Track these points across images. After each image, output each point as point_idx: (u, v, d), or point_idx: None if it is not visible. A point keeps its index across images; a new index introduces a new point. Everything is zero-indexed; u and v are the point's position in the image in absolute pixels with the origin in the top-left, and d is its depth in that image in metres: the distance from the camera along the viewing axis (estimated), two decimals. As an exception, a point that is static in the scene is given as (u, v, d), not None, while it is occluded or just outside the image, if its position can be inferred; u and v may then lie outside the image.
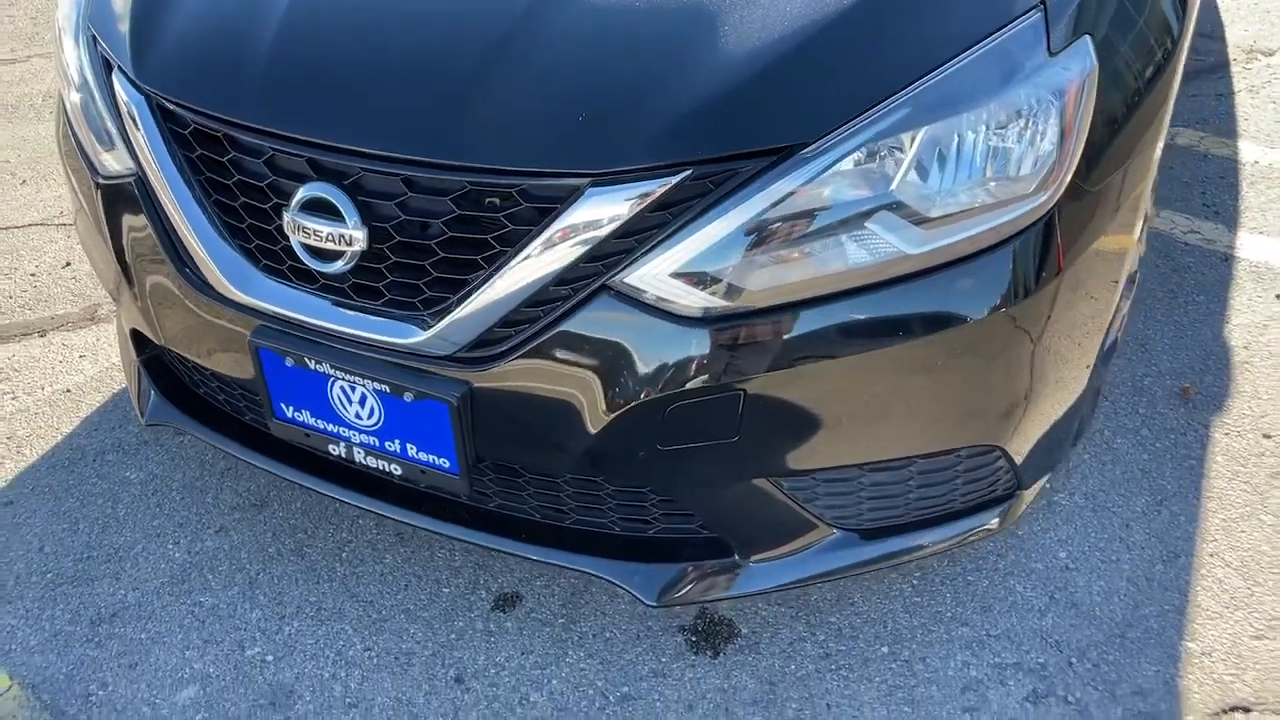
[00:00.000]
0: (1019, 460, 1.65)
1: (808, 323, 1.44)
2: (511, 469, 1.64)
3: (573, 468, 1.55)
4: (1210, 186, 3.05)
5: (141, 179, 1.65)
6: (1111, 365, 2.43)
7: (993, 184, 1.42)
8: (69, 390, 2.49)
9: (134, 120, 1.63)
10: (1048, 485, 2.15)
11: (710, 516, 1.61)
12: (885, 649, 1.87)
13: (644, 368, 1.45)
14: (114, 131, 1.69)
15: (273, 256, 1.58)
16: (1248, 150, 3.23)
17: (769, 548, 1.65)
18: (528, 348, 1.46)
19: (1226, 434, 2.27)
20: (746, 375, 1.45)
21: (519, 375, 1.49)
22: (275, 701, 1.80)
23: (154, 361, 1.97)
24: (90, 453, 2.30)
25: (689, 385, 1.45)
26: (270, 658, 1.87)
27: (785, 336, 1.44)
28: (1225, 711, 1.77)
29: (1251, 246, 2.81)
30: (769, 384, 1.45)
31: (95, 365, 2.57)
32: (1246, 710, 1.77)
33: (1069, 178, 1.48)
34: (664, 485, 1.57)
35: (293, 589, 1.99)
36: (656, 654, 1.88)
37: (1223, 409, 2.33)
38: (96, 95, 1.73)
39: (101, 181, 1.72)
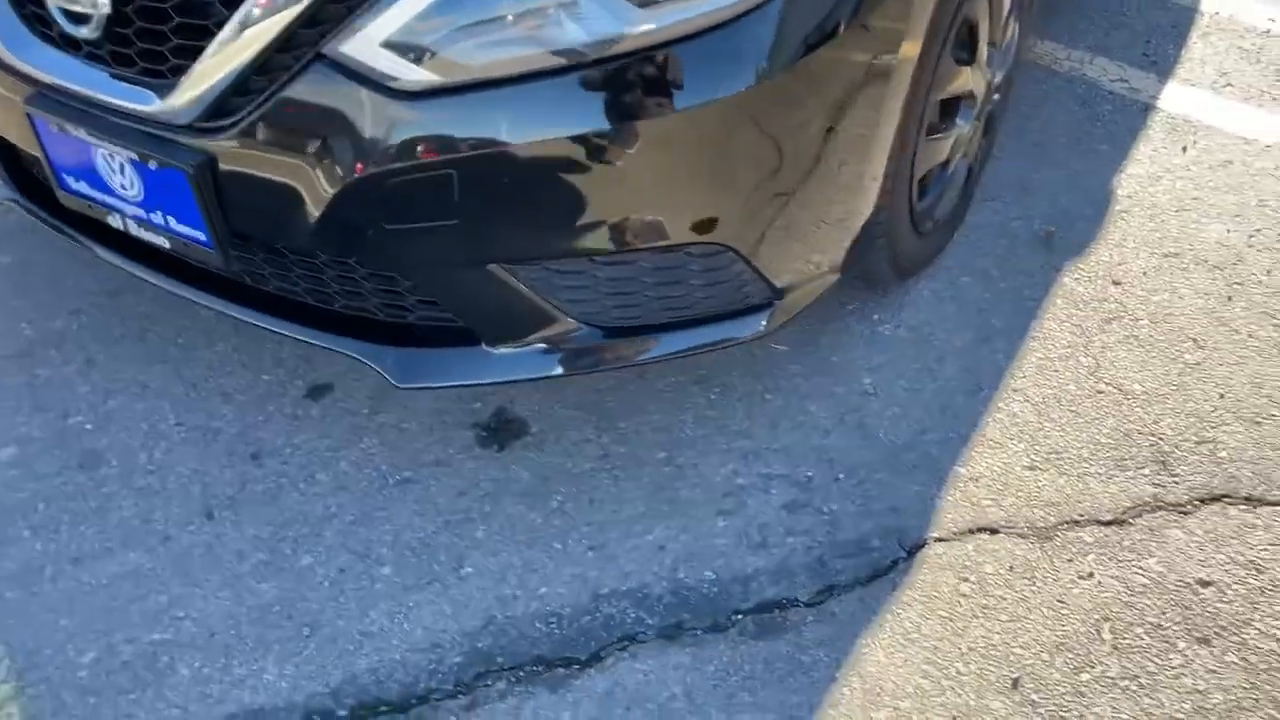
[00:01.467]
0: (763, 267, 1.64)
1: (519, 101, 1.45)
2: (273, 247, 1.70)
3: (312, 244, 1.61)
4: (1157, 35, 2.89)
5: None
6: (982, 206, 2.37)
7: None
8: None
9: None
10: (877, 317, 2.14)
11: (453, 302, 1.66)
12: (663, 454, 1.92)
13: (360, 141, 1.48)
14: None
15: (43, 22, 1.64)
16: (1213, 1, 3.03)
17: (515, 338, 1.69)
18: (255, 117, 1.51)
19: (1075, 279, 2.21)
20: (458, 154, 1.47)
21: (251, 146, 1.53)
22: (84, 464, 1.94)
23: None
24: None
25: (402, 162, 1.48)
26: (89, 426, 2.00)
27: (496, 115, 1.46)
28: (972, 531, 1.79)
29: (1177, 98, 2.67)
30: (482, 165, 1.48)
31: None
32: (994, 532, 1.78)
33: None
34: (402, 267, 1.62)
35: (126, 369, 2.11)
36: (445, 445, 1.95)
37: (1081, 255, 2.27)
38: None
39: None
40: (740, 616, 1.68)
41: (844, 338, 2.11)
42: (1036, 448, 1.90)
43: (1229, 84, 2.71)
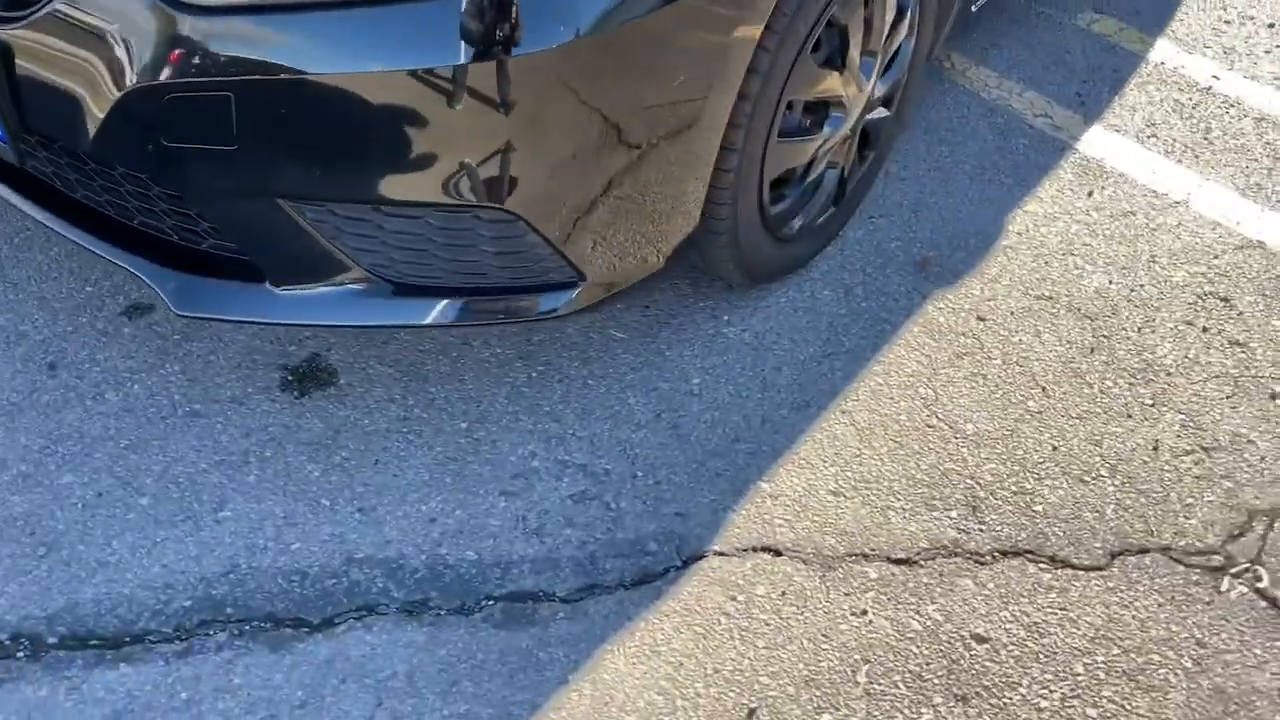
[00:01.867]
0: (563, 244, 1.57)
1: (306, 29, 1.38)
2: (72, 152, 1.63)
3: (98, 152, 1.54)
4: (1096, 78, 2.80)
5: None
6: (866, 222, 2.29)
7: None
8: None
9: None
10: (726, 318, 2.06)
11: (237, 234, 1.59)
12: (465, 425, 1.85)
13: (145, 48, 1.41)
14: None
15: None
16: (1163, 51, 2.94)
17: (300, 280, 1.62)
18: (49, 10, 1.44)
19: (940, 308, 2.13)
20: (232, 76, 1.40)
21: (44, 40, 1.47)
22: None
23: None
24: None
25: (178, 77, 1.41)
26: (-112, 310, 1.93)
27: (282, 40, 1.38)
28: (756, 550, 1.71)
29: (1098, 143, 2.59)
30: (257, 91, 1.40)
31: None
32: (777, 553, 1.71)
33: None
34: (187, 189, 1.54)
35: (-54, 258, 2.04)
36: (247, 383, 1.88)
37: (952, 285, 2.19)
38: None
39: None
40: (490, 603, 1.61)
41: (686, 334, 2.04)
42: (847, 474, 1.83)
43: (1154, 135, 2.62)
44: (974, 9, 2.37)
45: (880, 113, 2.12)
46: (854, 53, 1.86)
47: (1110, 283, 2.23)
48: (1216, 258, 2.29)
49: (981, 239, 2.30)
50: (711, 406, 1.91)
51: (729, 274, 1.98)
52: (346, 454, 1.79)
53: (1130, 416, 1.96)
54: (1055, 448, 1.90)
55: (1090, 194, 2.44)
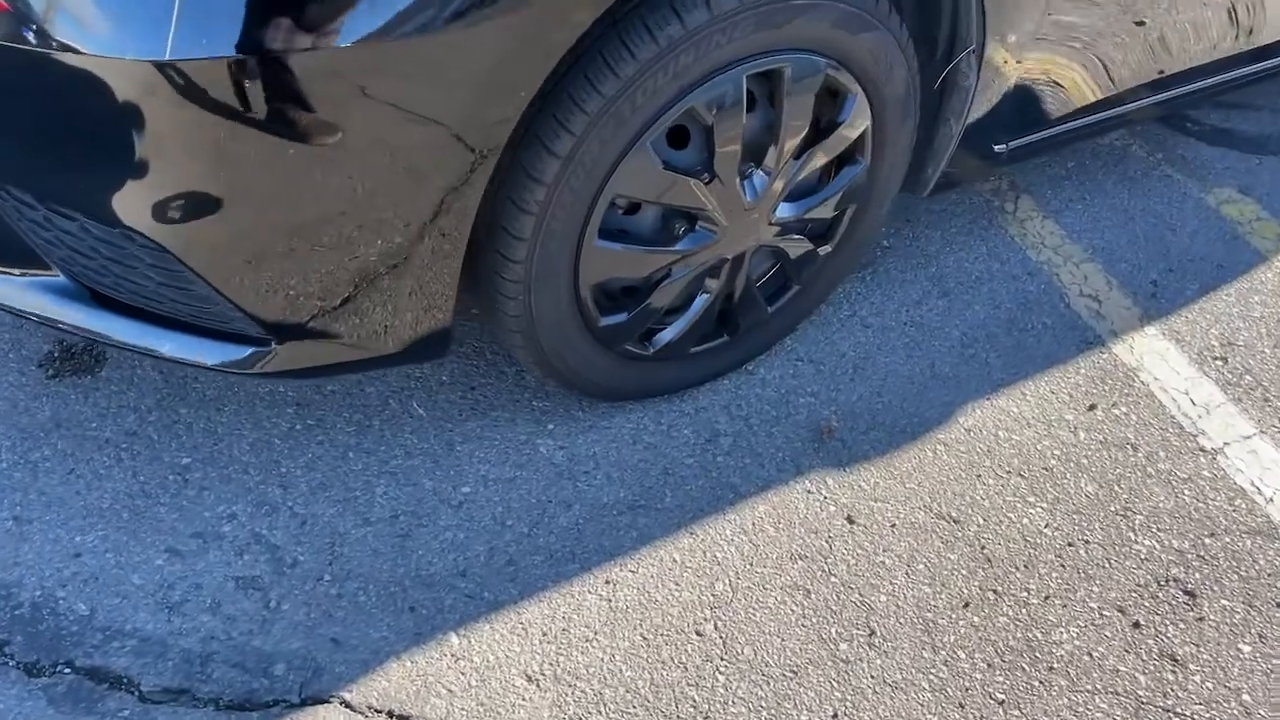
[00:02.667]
0: (239, 295, 1.32)
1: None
2: None
3: None
4: (1189, 269, 2.25)
5: None
6: (788, 363, 1.91)
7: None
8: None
9: None
10: (551, 428, 1.75)
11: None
12: (186, 460, 1.64)
13: None
14: None
15: None
16: (1302, 257, 2.34)
17: (7, 262, 1.45)
18: None
19: (808, 493, 1.73)
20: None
21: None
22: None
23: None
24: None
25: None
26: None
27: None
28: (388, 714, 1.41)
29: (1141, 348, 2.06)
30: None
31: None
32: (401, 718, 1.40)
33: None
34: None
35: None
36: (12, 349, 1.75)
37: (843, 470, 1.77)
38: None
39: None
40: (66, 671, 1.40)
41: (493, 433, 1.74)
42: (552, 659, 1.48)
43: (1224, 359, 2.07)
44: (1000, 149, 1.93)
45: (801, 244, 1.73)
46: (727, 160, 1.51)
47: (1048, 526, 1.74)
48: (1212, 536, 1.75)
49: (916, 424, 1.86)
50: (462, 526, 1.62)
51: (549, 379, 1.67)
52: (49, 453, 1.62)
53: (961, 708, 1.50)
54: (836, 715, 1.48)
55: (1092, 408, 1.94)
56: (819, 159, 1.63)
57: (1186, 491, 1.82)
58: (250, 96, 1.15)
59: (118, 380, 1.73)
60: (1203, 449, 1.89)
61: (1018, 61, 1.76)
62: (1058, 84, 1.87)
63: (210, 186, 1.22)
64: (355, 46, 1.16)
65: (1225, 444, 1.91)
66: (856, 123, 1.63)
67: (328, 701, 1.40)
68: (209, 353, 1.40)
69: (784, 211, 1.65)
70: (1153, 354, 2.06)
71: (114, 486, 1.59)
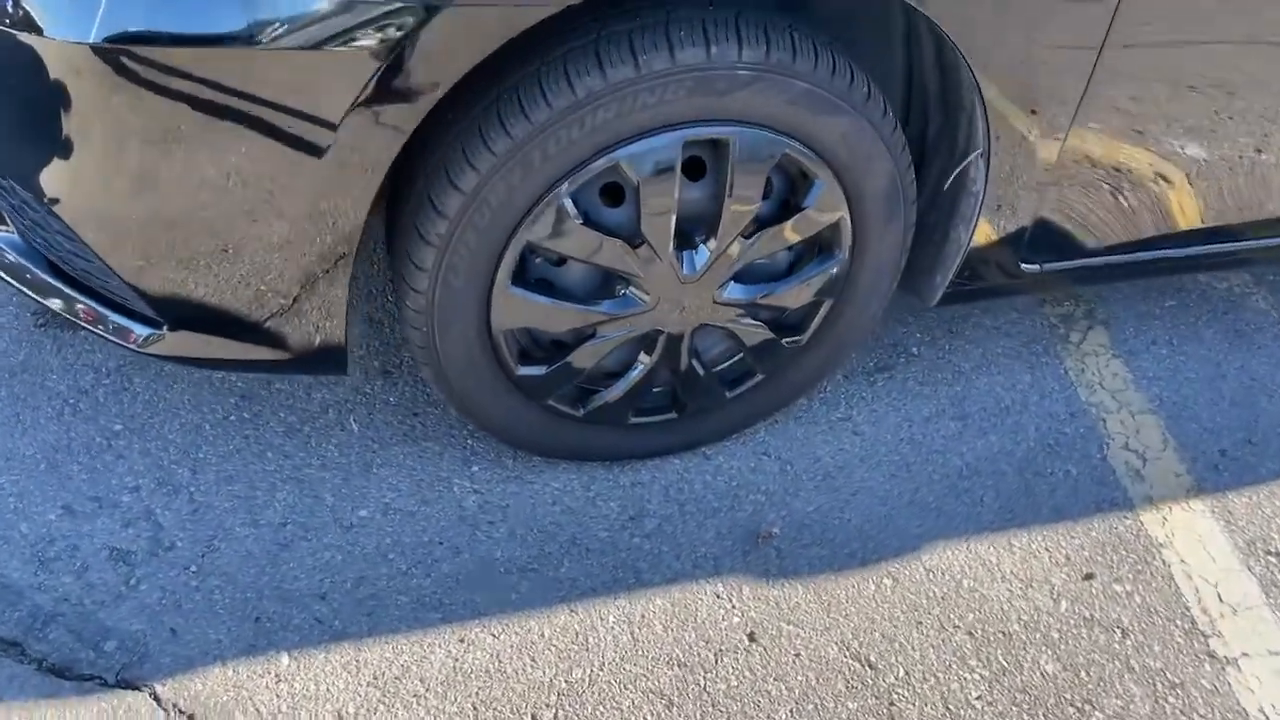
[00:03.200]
0: (130, 273, 1.34)
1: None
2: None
3: None
4: (1270, 446, 1.95)
5: None
6: (742, 452, 1.77)
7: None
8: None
9: None
10: (472, 473, 1.70)
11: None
12: (119, 426, 1.70)
13: None
14: None
15: None
16: None
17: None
18: None
19: (714, 599, 1.59)
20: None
21: None
22: None
23: None
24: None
25: None
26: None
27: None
28: (181, 712, 1.38)
29: (1181, 523, 1.79)
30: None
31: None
32: (198, 738, 1.36)
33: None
34: None
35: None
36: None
37: (764, 582, 1.62)
38: None
39: None
40: (-80, 599, 1.45)
41: (419, 464, 1.71)
42: (355, 702, 1.42)
43: (1276, 559, 1.76)
44: (1031, 268, 1.73)
45: (757, 331, 1.61)
46: (658, 227, 1.41)
47: (980, 699, 1.53)
48: (1178, 759, 1.49)
49: (869, 551, 1.68)
50: (343, 548, 1.58)
51: (468, 419, 1.63)
52: (3, 395, 1.71)
53: None
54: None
55: (1089, 577, 1.70)
56: (776, 242, 1.50)
57: (1172, 699, 1.56)
58: (112, 82, 1.17)
59: (92, 340, 1.81)
60: (1212, 654, 1.62)
61: (1053, 165, 1.56)
62: (1117, 198, 1.65)
63: (94, 164, 1.25)
64: (211, 46, 1.16)
65: (1243, 654, 1.62)
66: (825, 211, 1.49)
67: (139, 689, 1.40)
68: (106, 322, 1.44)
69: (733, 292, 1.53)
70: (1190, 532, 1.78)
71: (44, 437, 1.66)
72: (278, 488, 1.64)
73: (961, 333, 2.07)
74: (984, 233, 1.64)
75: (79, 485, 1.61)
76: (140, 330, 1.42)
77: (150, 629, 1.46)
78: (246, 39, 1.15)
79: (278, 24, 1.15)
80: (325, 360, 1.46)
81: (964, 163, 1.55)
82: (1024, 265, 1.72)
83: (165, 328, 1.41)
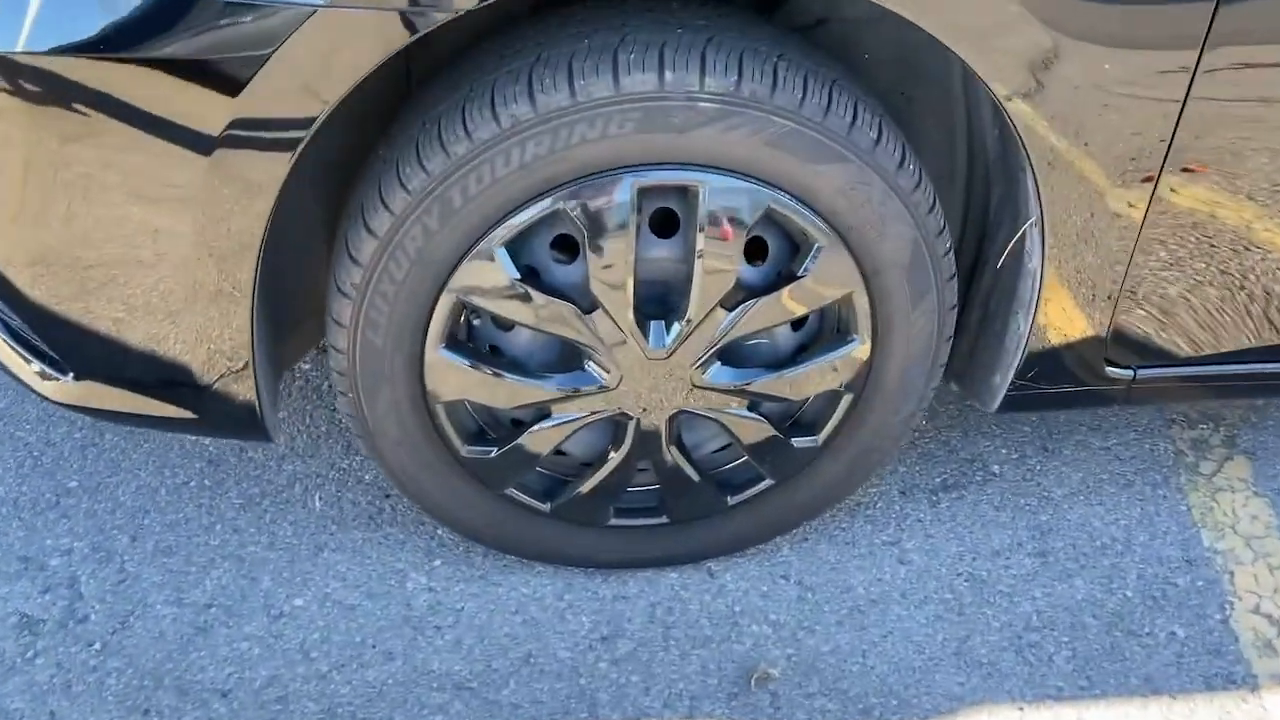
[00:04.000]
0: (22, 313, 1.22)
1: None
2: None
3: None
4: None
5: None
6: (761, 576, 1.48)
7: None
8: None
9: None
10: (435, 567, 1.49)
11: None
12: (74, 484, 1.58)
13: None
14: None
15: None
16: None
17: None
18: None
19: None
20: None
21: None
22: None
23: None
24: None
25: None
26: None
27: None
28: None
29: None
30: None
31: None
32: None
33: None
34: None
35: None
36: None
37: (745, 732, 1.32)
38: None
39: None
40: None
41: (371, 552, 1.51)
42: None
43: None
44: (1120, 373, 1.39)
45: (755, 426, 1.33)
46: (610, 289, 1.18)
47: None
48: None
49: (889, 711, 1.35)
50: (264, 640, 1.39)
51: (415, 502, 1.42)
52: (-25, 440, 1.64)
53: None
54: None
55: (1183, 778, 1.30)
56: (770, 316, 1.24)
57: None
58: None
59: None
60: None
61: (1136, 237, 1.23)
62: (1237, 287, 1.30)
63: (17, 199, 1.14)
64: (83, 57, 1.03)
65: None
66: (829, 283, 1.22)
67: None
68: (16, 362, 1.32)
69: (719, 375, 1.27)
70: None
71: (-4, 487, 1.56)
72: (215, 564, 1.48)
73: (1059, 452, 1.71)
74: (1052, 323, 1.32)
75: (12, 544, 1.49)
76: (39, 371, 1.30)
77: (29, 710, 1.30)
78: (112, 47, 1.02)
79: (141, 31, 1.01)
80: (239, 423, 1.29)
81: (1019, 233, 1.25)
82: (1110, 369, 1.38)
83: (70, 374, 1.28)
